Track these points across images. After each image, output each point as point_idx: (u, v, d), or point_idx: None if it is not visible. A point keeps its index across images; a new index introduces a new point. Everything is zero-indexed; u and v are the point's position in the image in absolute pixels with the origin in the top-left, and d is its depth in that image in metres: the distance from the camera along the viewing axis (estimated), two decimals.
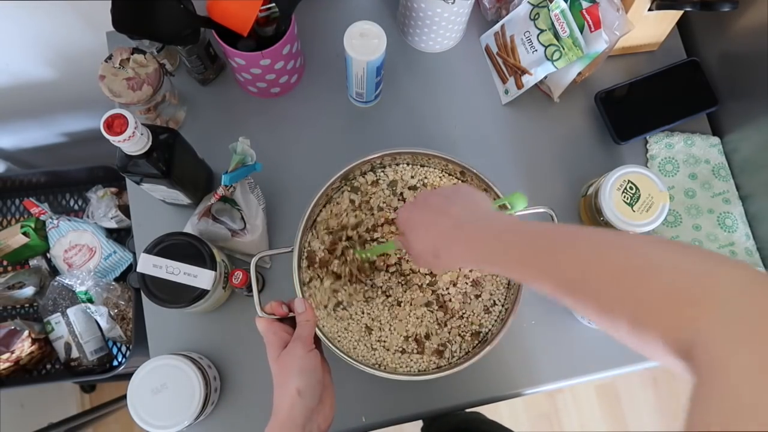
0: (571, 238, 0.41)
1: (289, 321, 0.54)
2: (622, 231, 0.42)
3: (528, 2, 0.72)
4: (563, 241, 0.41)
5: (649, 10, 0.72)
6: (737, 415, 0.24)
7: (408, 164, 0.69)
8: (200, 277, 0.62)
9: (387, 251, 0.64)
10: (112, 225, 0.94)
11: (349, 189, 0.68)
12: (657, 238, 0.39)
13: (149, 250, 0.63)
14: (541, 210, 0.64)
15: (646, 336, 0.32)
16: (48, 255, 0.95)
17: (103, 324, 0.89)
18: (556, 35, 0.69)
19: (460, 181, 0.69)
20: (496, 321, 0.65)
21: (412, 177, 0.69)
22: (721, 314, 0.28)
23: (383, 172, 0.69)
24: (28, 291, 0.92)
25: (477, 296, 0.66)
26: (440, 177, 0.69)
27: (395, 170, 0.69)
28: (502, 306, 0.66)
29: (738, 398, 0.25)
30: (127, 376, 0.65)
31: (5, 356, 0.86)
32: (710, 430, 0.24)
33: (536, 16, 0.71)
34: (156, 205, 0.74)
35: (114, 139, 0.54)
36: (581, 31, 0.68)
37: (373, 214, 0.68)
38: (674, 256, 0.34)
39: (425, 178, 0.69)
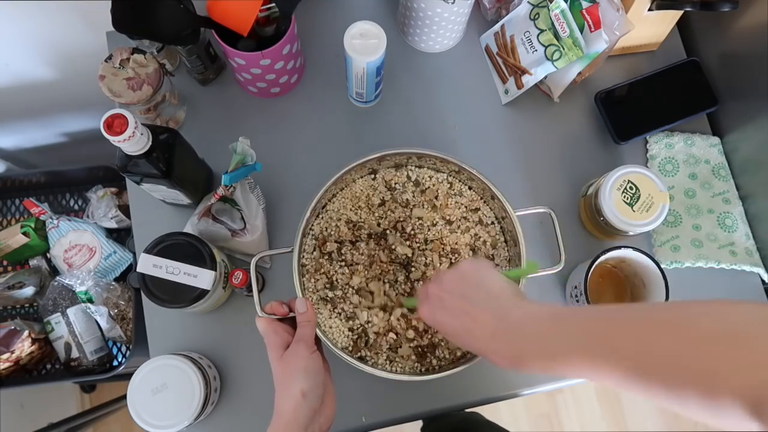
0: (619, 320, 0.38)
1: (289, 321, 0.54)
2: (670, 303, 0.40)
3: (528, 2, 0.72)
4: (608, 325, 0.38)
5: (649, 10, 0.72)
6: None
7: (418, 167, 0.69)
8: (200, 277, 0.62)
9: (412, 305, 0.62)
10: (112, 225, 0.94)
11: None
12: (701, 303, 0.36)
13: (149, 250, 0.63)
14: (541, 210, 0.64)
15: (718, 402, 0.31)
16: (48, 255, 0.95)
17: (103, 324, 0.89)
18: (556, 35, 0.69)
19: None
20: None
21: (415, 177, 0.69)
22: None
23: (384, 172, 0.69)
24: (28, 291, 0.92)
25: None
26: (432, 176, 0.70)
27: (399, 171, 0.69)
28: None
29: None
30: (127, 376, 0.65)
31: (5, 356, 0.86)
32: None
33: (536, 16, 0.71)
34: (156, 205, 0.74)
35: (114, 139, 0.54)
36: (581, 31, 0.68)
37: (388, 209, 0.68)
38: (724, 314, 0.32)
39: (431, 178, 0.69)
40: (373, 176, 0.69)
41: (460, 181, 0.69)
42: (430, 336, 0.64)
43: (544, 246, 0.75)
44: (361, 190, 0.68)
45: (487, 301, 0.47)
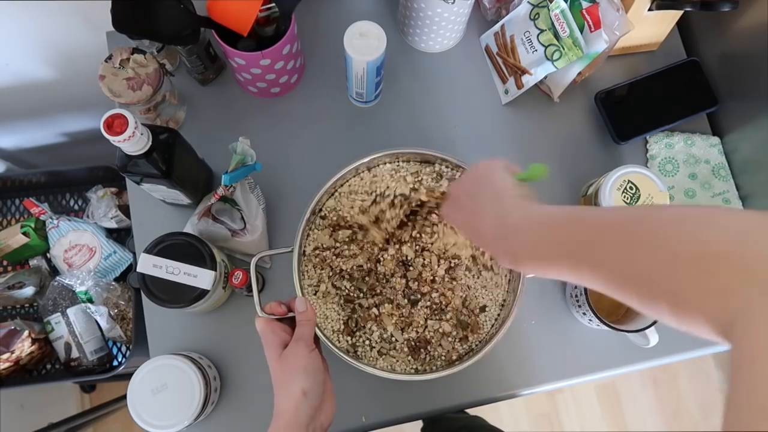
0: (606, 231, 0.40)
1: (287, 321, 0.54)
2: (650, 208, 0.40)
3: (528, 2, 0.72)
4: (597, 232, 0.40)
5: (649, 10, 0.72)
6: None
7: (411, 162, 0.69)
8: (200, 277, 0.62)
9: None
10: (112, 225, 0.94)
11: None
12: (689, 215, 0.36)
13: (149, 250, 0.63)
14: None
15: (689, 320, 0.32)
16: (48, 255, 0.95)
17: (103, 324, 0.89)
18: (556, 35, 0.69)
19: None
20: (495, 321, 0.65)
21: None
22: (757, 293, 0.28)
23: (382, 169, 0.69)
24: (28, 291, 0.92)
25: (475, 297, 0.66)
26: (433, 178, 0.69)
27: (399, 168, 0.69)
28: (501, 306, 0.66)
29: None
30: (127, 376, 0.65)
31: (5, 356, 0.86)
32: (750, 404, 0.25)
33: (536, 16, 0.71)
34: (156, 205, 0.74)
35: (114, 139, 0.54)
36: (581, 31, 0.68)
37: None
38: (706, 228, 0.33)
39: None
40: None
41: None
42: (419, 330, 0.64)
43: None
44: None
45: (492, 202, 0.49)
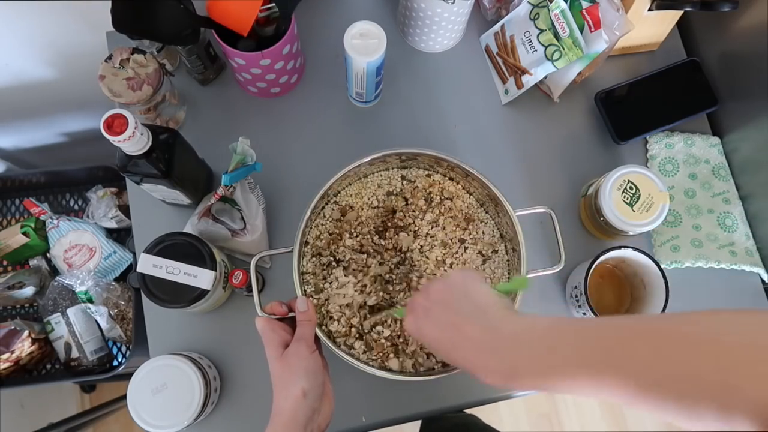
0: (628, 331, 0.35)
1: (288, 321, 0.54)
2: (679, 314, 0.35)
3: (528, 2, 0.72)
4: (614, 335, 0.35)
5: (649, 10, 0.72)
6: None
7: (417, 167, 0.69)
8: (200, 277, 0.62)
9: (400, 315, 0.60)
10: (112, 225, 0.94)
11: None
12: (711, 314, 0.34)
13: (149, 250, 0.63)
14: (541, 210, 0.64)
15: (732, 417, 0.29)
16: (48, 255, 0.95)
17: (103, 324, 0.89)
18: (556, 35, 0.69)
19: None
20: None
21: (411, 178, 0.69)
22: None
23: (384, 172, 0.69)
24: (28, 291, 0.92)
25: None
26: (429, 176, 0.69)
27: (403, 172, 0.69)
28: None
29: None
30: (127, 376, 0.65)
31: (5, 356, 0.86)
32: None
33: (536, 16, 0.71)
34: (156, 205, 0.74)
35: (114, 139, 0.54)
36: (581, 31, 0.68)
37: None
38: (741, 328, 0.31)
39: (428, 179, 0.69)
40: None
41: (458, 182, 0.69)
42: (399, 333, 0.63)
43: (544, 246, 0.75)
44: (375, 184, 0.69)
45: (475, 314, 0.44)
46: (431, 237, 0.66)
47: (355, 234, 0.66)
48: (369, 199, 0.68)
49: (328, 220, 0.67)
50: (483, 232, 0.68)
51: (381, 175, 0.70)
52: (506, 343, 0.41)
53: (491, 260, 0.67)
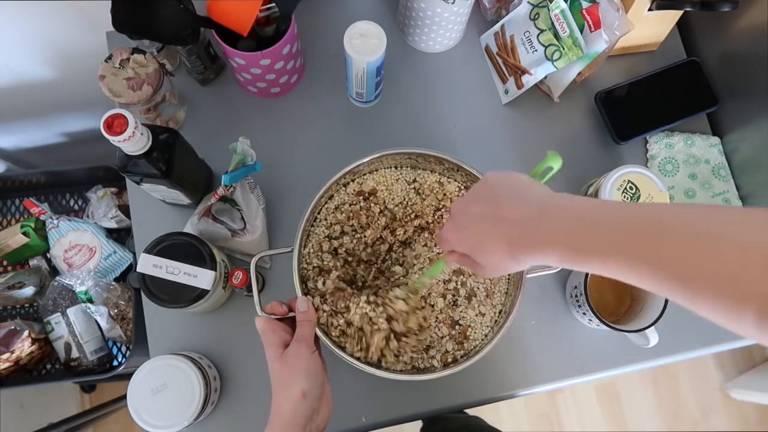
0: (671, 220, 0.35)
1: (288, 321, 0.54)
2: (717, 206, 0.36)
3: (528, 2, 0.72)
4: (664, 223, 0.35)
5: (649, 10, 0.72)
6: None
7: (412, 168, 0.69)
8: (200, 277, 0.62)
9: (436, 275, 0.59)
10: (112, 225, 0.94)
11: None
12: (757, 211, 0.34)
13: (149, 250, 0.63)
14: None
15: (741, 311, 0.30)
16: (48, 255, 0.95)
17: (103, 324, 0.89)
18: (556, 35, 0.69)
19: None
20: (494, 323, 0.65)
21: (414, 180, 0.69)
22: None
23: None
24: (28, 291, 0.92)
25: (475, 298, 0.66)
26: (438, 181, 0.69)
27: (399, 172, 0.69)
28: (501, 307, 0.66)
29: None
30: (127, 376, 0.65)
31: (5, 356, 0.86)
32: None
33: (536, 16, 0.71)
34: (156, 205, 0.74)
35: (114, 139, 0.54)
36: (581, 31, 0.68)
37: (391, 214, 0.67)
38: None
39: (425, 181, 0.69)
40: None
41: (456, 180, 0.69)
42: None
43: None
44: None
45: (513, 197, 0.43)
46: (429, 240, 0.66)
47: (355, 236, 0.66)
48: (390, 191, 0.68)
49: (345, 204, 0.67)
50: None
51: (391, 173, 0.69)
52: (547, 215, 0.40)
53: None
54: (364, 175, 0.68)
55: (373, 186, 0.67)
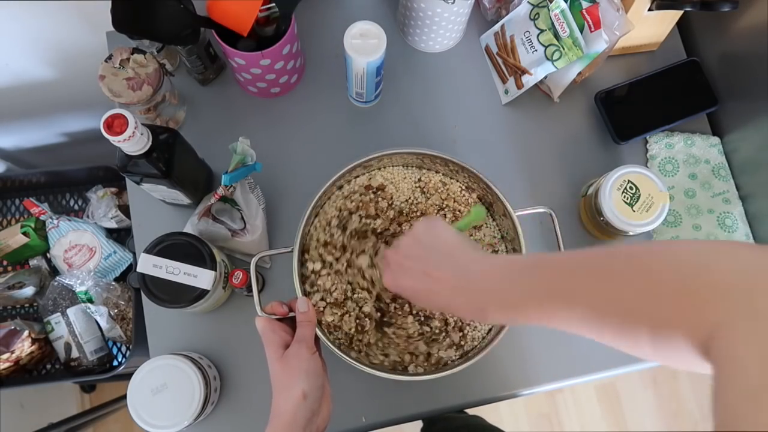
0: (582, 260, 0.38)
1: (288, 321, 0.54)
2: (617, 246, 0.39)
3: (528, 2, 0.72)
4: (574, 265, 0.39)
5: (649, 10, 0.72)
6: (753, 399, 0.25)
7: (410, 167, 0.69)
8: (200, 277, 0.62)
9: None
10: (112, 225, 0.94)
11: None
12: (650, 243, 0.38)
13: (149, 250, 0.63)
14: (541, 210, 0.64)
15: (669, 341, 0.32)
16: (48, 255, 0.95)
17: (103, 324, 0.89)
18: (556, 35, 0.69)
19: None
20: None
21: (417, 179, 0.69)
22: (733, 307, 0.28)
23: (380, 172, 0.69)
24: (28, 291, 0.92)
25: None
26: (443, 181, 0.69)
27: (394, 171, 0.69)
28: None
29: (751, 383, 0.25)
30: (127, 376, 0.65)
31: (5, 356, 0.86)
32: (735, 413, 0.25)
33: (536, 16, 0.71)
34: (156, 205, 0.74)
35: (114, 139, 0.54)
36: (581, 31, 0.68)
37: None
38: (677, 253, 0.34)
39: (429, 181, 0.69)
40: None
41: (458, 181, 0.69)
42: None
43: (544, 246, 0.75)
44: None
45: (444, 260, 0.47)
46: None
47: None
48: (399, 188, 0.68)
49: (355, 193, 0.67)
50: (484, 234, 0.68)
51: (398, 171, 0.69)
52: (474, 283, 0.44)
53: None
54: (373, 171, 0.68)
55: (381, 182, 0.67)
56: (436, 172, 0.69)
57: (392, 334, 0.63)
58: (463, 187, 0.69)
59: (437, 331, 0.63)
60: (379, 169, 0.69)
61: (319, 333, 0.57)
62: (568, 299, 0.37)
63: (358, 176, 0.68)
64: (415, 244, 0.50)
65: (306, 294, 0.62)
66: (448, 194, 0.68)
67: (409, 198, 0.68)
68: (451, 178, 0.69)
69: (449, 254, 0.47)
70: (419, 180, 0.68)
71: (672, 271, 0.33)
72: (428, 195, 0.68)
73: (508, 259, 0.45)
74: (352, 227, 0.64)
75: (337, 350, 0.59)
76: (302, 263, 0.63)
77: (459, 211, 0.67)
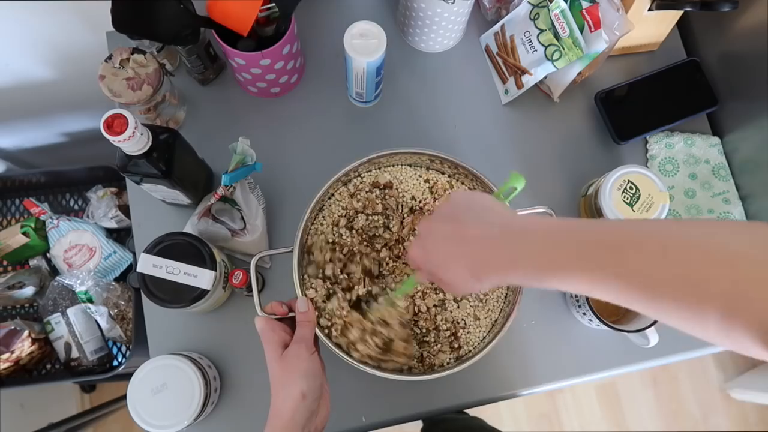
0: (628, 233, 0.35)
1: (287, 321, 0.54)
2: (677, 221, 0.36)
3: (528, 2, 0.72)
4: (622, 236, 0.35)
5: (649, 10, 0.72)
6: None
7: (410, 165, 0.69)
8: (200, 277, 0.62)
9: (409, 290, 0.60)
10: (112, 225, 0.94)
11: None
12: (720, 223, 0.35)
13: (149, 250, 0.63)
14: (541, 210, 0.64)
15: (738, 329, 0.30)
16: (48, 255, 0.95)
17: (103, 324, 0.89)
18: (556, 35, 0.69)
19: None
20: (492, 325, 0.65)
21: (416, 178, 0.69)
22: None
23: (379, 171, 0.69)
24: (28, 291, 0.92)
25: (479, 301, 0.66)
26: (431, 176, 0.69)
27: (392, 171, 0.69)
28: (499, 310, 0.66)
29: None
30: (127, 376, 0.65)
31: (5, 356, 0.86)
32: None
33: (536, 16, 0.71)
34: (156, 205, 0.74)
35: (114, 139, 0.54)
36: (581, 31, 0.68)
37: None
38: (750, 239, 0.31)
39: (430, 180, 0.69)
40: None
41: (457, 180, 0.69)
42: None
43: None
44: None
45: (479, 217, 0.44)
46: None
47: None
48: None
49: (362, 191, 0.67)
50: None
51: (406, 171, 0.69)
52: (509, 235, 0.41)
53: None
54: (380, 168, 0.68)
55: (389, 179, 0.67)
56: (442, 173, 0.69)
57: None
58: (469, 188, 0.69)
59: (424, 330, 0.63)
60: (389, 167, 0.69)
61: (319, 333, 0.57)
62: (622, 269, 0.34)
63: (360, 174, 0.68)
64: (450, 205, 0.47)
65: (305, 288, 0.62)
66: None
67: (418, 197, 0.67)
68: (456, 179, 0.69)
69: (485, 211, 0.44)
70: (426, 180, 0.68)
71: (751, 250, 0.30)
72: (436, 195, 0.67)
73: (550, 220, 0.41)
74: (358, 226, 0.65)
75: (336, 350, 0.59)
76: (304, 265, 0.63)
77: None
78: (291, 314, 0.54)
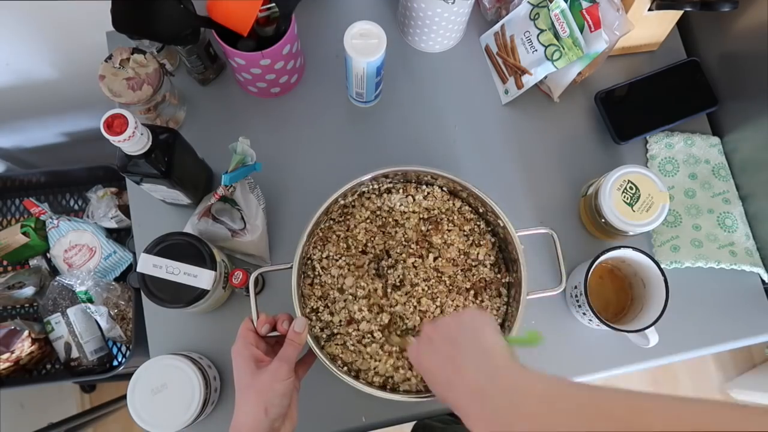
0: (616, 413, 0.34)
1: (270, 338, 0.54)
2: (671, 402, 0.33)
3: (528, 2, 0.72)
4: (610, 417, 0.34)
5: (649, 10, 0.72)
6: None
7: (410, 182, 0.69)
8: (200, 277, 0.62)
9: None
10: (112, 225, 0.94)
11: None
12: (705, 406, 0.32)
13: (149, 250, 0.63)
14: (543, 231, 0.64)
15: None
16: (48, 255, 0.95)
17: (103, 324, 0.89)
18: (556, 35, 0.69)
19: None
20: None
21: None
22: None
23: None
24: (28, 291, 0.92)
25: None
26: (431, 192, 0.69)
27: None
28: (503, 315, 0.66)
29: None
30: (127, 376, 0.65)
31: (5, 356, 0.86)
32: None
33: (536, 16, 0.71)
34: (156, 205, 0.74)
35: (114, 139, 0.54)
36: (581, 31, 0.68)
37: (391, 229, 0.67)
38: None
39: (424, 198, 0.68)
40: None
41: (458, 199, 0.69)
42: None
43: (543, 262, 0.74)
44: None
45: (477, 356, 0.44)
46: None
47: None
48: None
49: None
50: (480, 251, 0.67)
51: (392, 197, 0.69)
52: (500, 395, 0.40)
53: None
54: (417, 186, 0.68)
55: (437, 213, 0.67)
56: (440, 187, 0.69)
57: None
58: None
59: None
60: (426, 184, 0.68)
61: (317, 350, 0.57)
62: None
63: (389, 191, 0.67)
64: (455, 326, 0.48)
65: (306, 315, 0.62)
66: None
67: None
68: (458, 198, 0.69)
69: (486, 352, 0.44)
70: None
71: None
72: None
73: (542, 378, 0.40)
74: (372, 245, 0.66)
75: (329, 364, 0.58)
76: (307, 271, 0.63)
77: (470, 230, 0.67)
78: (273, 334, 0.54)
